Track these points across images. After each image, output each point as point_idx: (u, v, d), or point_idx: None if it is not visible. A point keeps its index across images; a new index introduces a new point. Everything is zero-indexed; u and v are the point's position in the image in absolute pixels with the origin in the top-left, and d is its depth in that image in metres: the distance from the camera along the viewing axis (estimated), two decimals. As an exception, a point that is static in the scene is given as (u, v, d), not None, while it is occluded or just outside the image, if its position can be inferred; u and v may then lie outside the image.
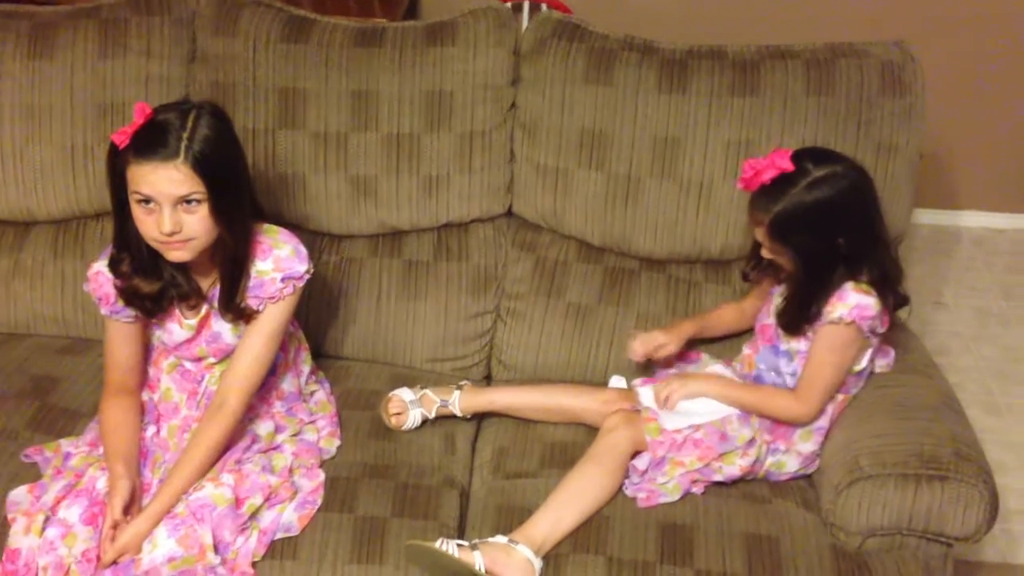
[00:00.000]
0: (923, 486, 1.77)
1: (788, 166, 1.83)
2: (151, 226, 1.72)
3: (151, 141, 1.69)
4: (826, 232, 1.83)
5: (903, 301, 1.96)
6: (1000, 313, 3.37)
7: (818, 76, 2.17)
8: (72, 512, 1.74)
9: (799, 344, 1.93)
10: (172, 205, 1.70)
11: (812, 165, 1.84)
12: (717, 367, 2.08)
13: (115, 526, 1.73)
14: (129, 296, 1.83)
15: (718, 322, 2.17)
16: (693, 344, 2.16)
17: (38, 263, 2.29)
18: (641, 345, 2.08)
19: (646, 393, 2.03)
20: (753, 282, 2.09)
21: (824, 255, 1.84)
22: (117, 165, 1.72)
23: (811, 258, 1.85)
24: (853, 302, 1.84)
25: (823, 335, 1.88)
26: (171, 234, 1.71)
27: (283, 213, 2.26)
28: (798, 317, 1.89)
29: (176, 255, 1.76)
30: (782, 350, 1.96)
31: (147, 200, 1.70)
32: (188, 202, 1.71)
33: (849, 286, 1.85)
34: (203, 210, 1.72)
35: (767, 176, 1.84)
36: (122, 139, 1.71)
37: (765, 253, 1.93)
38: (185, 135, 1.69)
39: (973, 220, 3.84)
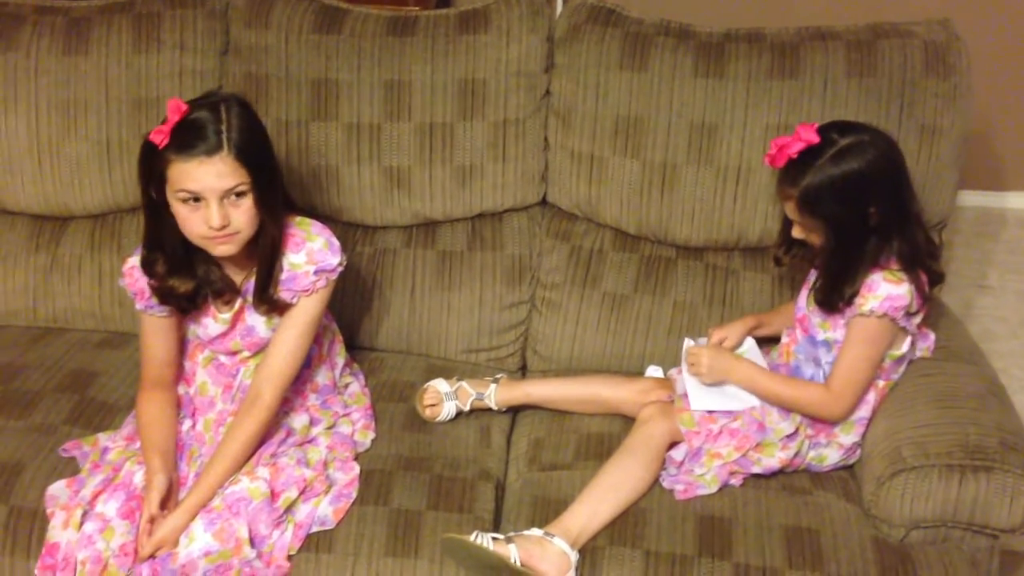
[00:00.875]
0: (968, 477, 1.73)
1: (814, 138, 1.81)
2: (197, 223, 1.72)
3: (193, 137, 1.68)
4: (856, 202, 1.80)
5: (938, 279, 1.91)
6: (1047, 297, 3.31)
7: (859, 58, 2.13)
8: (110, 506, 1.76)
9: (836, 333, 1.89)
10: (219, 199, 1.70)
11: (838, 135, 1.81)
12: (752, 354, 2.05)
13: (152, 520, 1.74)
14: (164, 295, 1.83)
15: (780, 319, 2.11)
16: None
17: (75, 258, 2.30)
18: (714, 363, 1.98)
19: (682, 382, 2.00)
20: (784, 266, 2.05)
21: (855, 226, 1.81)
22: (156, 165, 1.71)
23: (842, 229, 1.81)
24: (883, 293, 1.80)
25: (854, 328, 1.84)
26: (220, 228, 1.71)
27: (316, 205, 2.25)
28: (832, 293, 1.85)
29: (223, 249, 1.76)
30: (819, 340, 1.92)
31: (194, 197, 1.70)
32: (234, 195, 1.71)
33: (879, 276, 1.81)
34: (248, 201, 1.73)
35: (794, 150, 1.82)
36: (161, 138, 1.70)
37: (796, 232, 1.89)
38: (224, 127, 1.69)
39: (1019, 202, 3.76)
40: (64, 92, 2.24)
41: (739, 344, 2.07)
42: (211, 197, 1.70)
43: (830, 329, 1.90)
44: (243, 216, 1.73)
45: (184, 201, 1.71)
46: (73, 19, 2.27)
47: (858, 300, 1.82)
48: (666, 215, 2.21)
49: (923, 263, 1.86)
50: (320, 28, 2.22)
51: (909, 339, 1.90)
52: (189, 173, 1.68)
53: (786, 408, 1.91)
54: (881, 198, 1.80)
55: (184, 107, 1.72)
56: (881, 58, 2.12)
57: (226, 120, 1.70)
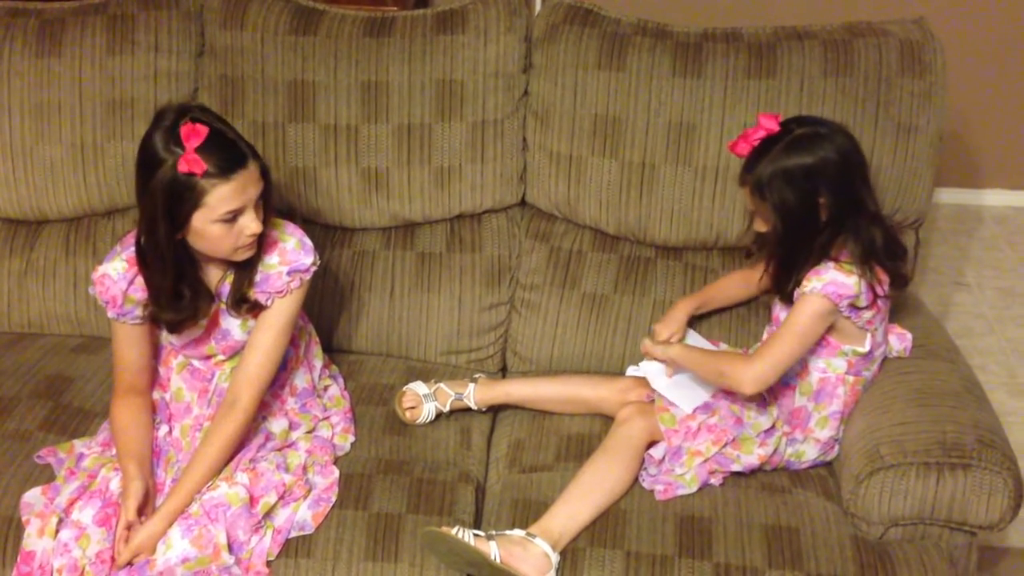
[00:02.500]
0: (945, 475, 1.74)
1: (774, 127, 1.85)
2: (233, 238, 1.72)
3: (230, 155, 1.68)
4: (805, 191, 1.81)
5: (902, 281, 1.92)
6: (1024, 293, 3.33)
7: (836, 57, 2.14)
8: (86, 514, 1.74)
9: None
10: (254, 206, 1.72)
11: (797, 126, 1.85)
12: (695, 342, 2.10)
13: (129, 527, 1.72)
14: (155, 319, 1.83)
15: (721, 293, 2.15)
16: (694, 321, 2.14)
17: (50, 262, 2.28)
18: (654, 348, 2.03)
19: (646, 367, 2.03)
20: (757, 259, 2.06)
21: (803, 215, 1.83)
22: (191, 196, 1.66)
23: (790, 217, 1.83)
24: (828, 278, 1.82)
25: (795, 305, 1.87)
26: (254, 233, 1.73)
27: (294, 207, 2.24)
28: (782, 281, 1.88)
29: (247, 254, 1.78)
30: None
31: (236, 214, 1.70)
32: (258, 199, 1.74)
33: (830, 264, 1.83)
34: (260, 203, 1.75)
35: (755, 137, 1.86)
36: (199, 166, 1.64)
37: (757, 225, 1.91)
38: (231, 134, 1.70)
39: (996, 199, 3.78)
40: (37, 95, 2.22)
41: (683, 334, 2.09)
42: (250, 206, 1.72)
43: None
44: (261, 216, 1.76)
45: (223, 222, 1.70)
46: (46, 21, 2.25)
47: (804, 282, 1.84)
48: (645, 215, 2.22)
49: (881, 262, 1.87)
50: (296, 29, 2.21)
51: (869, 336, 1.91)
52: (235, 191, 1.68)
53: (712, 378, 1.93)
54: (832, 191, 1.82)
55: (203, 130, 1.65)
56: (857, 57, 2.13)
57: (225, 126, 1.72)
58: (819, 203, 1.82)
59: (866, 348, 1.91)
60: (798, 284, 1.85)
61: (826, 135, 1.84)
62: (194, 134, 1.65)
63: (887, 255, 1.87)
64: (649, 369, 2.03)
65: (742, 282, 2.14)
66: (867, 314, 1.87)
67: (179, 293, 1.78)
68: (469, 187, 2.25)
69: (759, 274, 2.05)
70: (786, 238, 1.85)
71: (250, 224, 1.72)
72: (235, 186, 1.68)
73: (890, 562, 1.76)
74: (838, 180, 1.82)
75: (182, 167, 1.65)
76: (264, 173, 1.75)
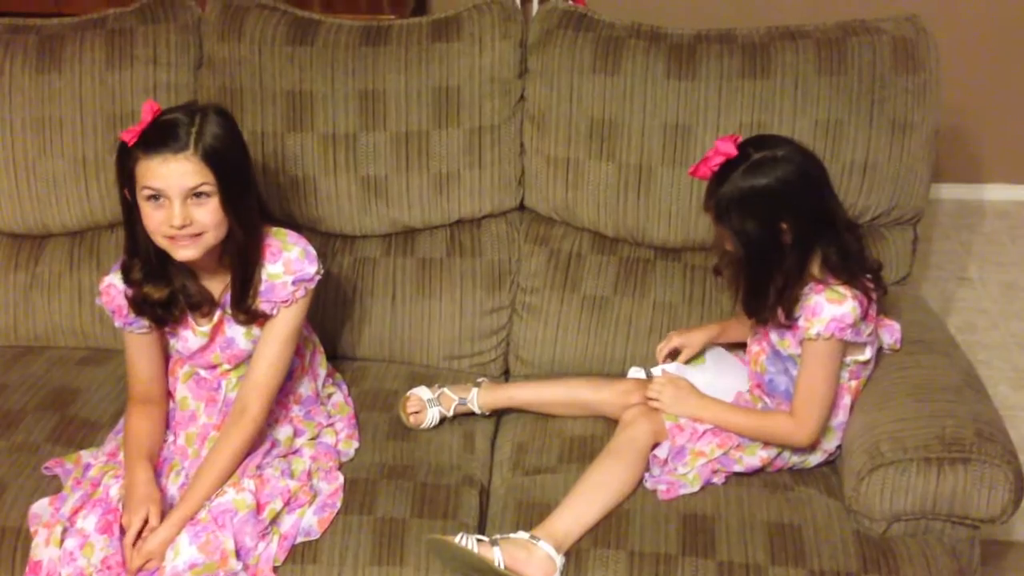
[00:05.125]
0: (946, 469, 1.75)
1: (732, 151, 1.82)
2: (160, 221, 1.73)
3: (161, 135, 1.71)
4: (764, 216, 1.80)
5: (883, 290, 1.91)
6: (1027, 287, 3.33)
7: (829, 55, 2.14)
8: (89, 522, 1.76)
9: (795, 349, 1.89)
10: (182, 198, 1.71)
11: (754, 150, 1.82)
12: (718, 363, 2.07)
13: (138, 534, 1.74)
14: (139, 304, 1.84)
15: (737, 326, 2.11)
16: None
17: (55, 275, 2.30)
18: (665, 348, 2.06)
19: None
20: (725, 276, 2.05)
21: (764, 240, 1.81)
22: (127, 164, 1.74)
23: (751, 243, 1.81)
24: (827, 316, 1.80)
25: (805, 352, 1.85)
26: (181, 227, 1.72)
27: (295, 216, 2.26)
28: (754, 304, 1.87)
29: (184, 253, 1.76)
30: (783, 355, 1.93)
31: (156, 195, 1.72)
32: (198, 195, 1.73)
33: (821, 298, 1.81)
34: (213, 203, 1.74)
35: (714, 163, 1.84)
36: (131, 137, 1.72)
37: (727, 246, 1.89)
38: (194, 129, 1.72)
39: (997, 193, 3.78)
40: (38, 110, 2.24)
41: (699, 352, 2.09)
42: (174, 195, 1.71)
43: (790, 346, 1.90)
44: (207, 217, 1.74)
45: (148, 199, 1.73)
46: (45, 37, 2.27)
47: (803, 324, 1.82)
48: (643, 217, 2.22)
49: (862, 268, 1.85)
50: (293, 40, 2.23)
51: (869, 349, 1.91)
52: (154, 170, 1.70)
53: (759, 440, 1.92)
54: (793, 214, 1.80)
55: (157, 108, 1.74)
56: (851, 55, 2.14)
57: (199, 124, 1.73)
58: (781, 228, 1.80)
59: (867, 356, 1.91)
60: (789, 314, 1.83)
61: (783, 158, 1.80)
62: (148, 111, 1.74)
63: (863, 268, 1.86)
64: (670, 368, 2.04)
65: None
66: (867, 328, 1.87)
67: (160, 270, 1.81)
68: (468, 193, 2.26)
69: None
70: (749, 263, 1.84)
71: (173, 214, 1.71)
72: (157, 164, 1.70)
73: (893, 557, 1.77)
74: (799, 202, 1.80)
75: (123, 134, 1.73)
76: (223, 177, 1.73)
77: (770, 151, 1.82)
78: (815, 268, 1.84)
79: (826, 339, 1.81)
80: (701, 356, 2.12)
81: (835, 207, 1.87)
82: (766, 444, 1.92)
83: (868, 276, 1.86)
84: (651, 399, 1.97)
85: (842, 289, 1.82)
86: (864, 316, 1.84)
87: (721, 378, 2.05)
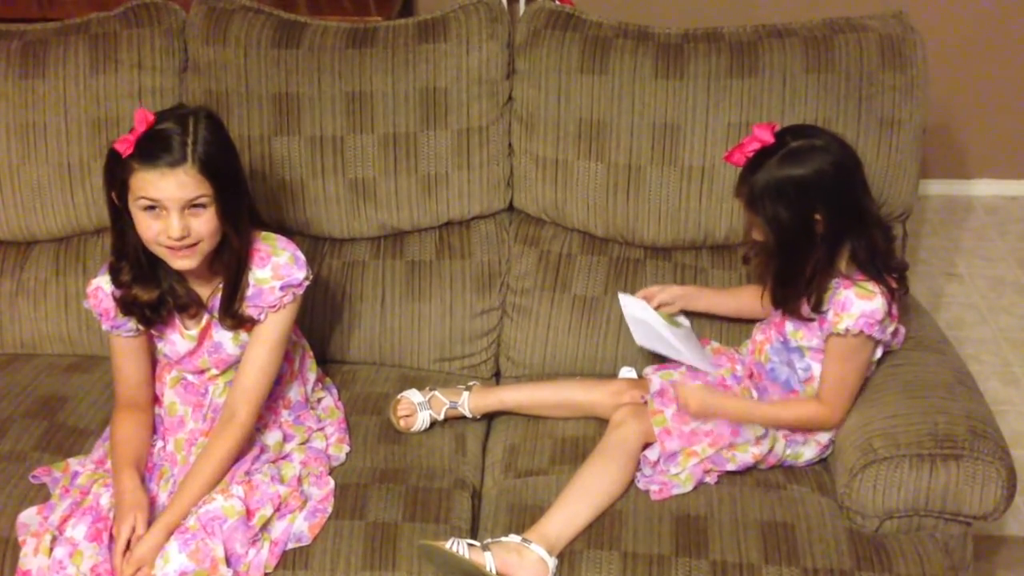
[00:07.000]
0: (938, 466, 1.75)
1: (769, 139, 1.82)
2: (158, 231, 1.72)
3: (157, 148, 1.70)
4: (798, 206, 1.79)
5: (903, 287, 1.91)
6: (1015, 282, 3.33)
7: (817, 53, 2.14)
8: (78, 530, 1.74)
9: (810, 341, 1.90)
10: (180, 210, 1.71)
11: (792, 138, 1.82)
12: (700, 346, 2.09)
13: (128, 541, 1.72)
14: (128, 305, 1.83)
15: (733, 300, 2.13)
16: (700, 334, 2.14)
17: (40, 282, 2.28)
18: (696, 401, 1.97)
19: (657, 381, 2.01)
20: (753, 265, 2.06)
21: (797, 230, 1.80)
22: (118, 172, 1.73)
23: (784, 232, 1.81)
24: (857, 311, 1.80)
25: (834, 347, 1.85)
26: (180, 239, 1.71)
27: (283, 220, 2.25)
28: (781, 296, 1.87)
29: (182, 263, 1.76)
30: (792, 346, 1.93)
31: (153, 206, 1.71)
32: (195, 206, 1.72)
33: (851, 292, 1.81)
34: (209, 213, 1.73)
35: (749, 149, 1.83)
36: (125, 147, 1.71)
37: (755, 234, 1.89)
38: (189, 140, 1.70)
39: (985, 189, 3.79)
40: (22, 116, 2.23)
41: (675, 309, 2.10)
42: (172, 207, 1.70)
43: (803, 338, 1.90)
44: (204, 227, 1.74)
45: (145, 208, 1.72)
46: (28, 42, 2.25)
47: (832, 318, 1.82)
48: (632, 216, 2.22)
49: (887, 266, 1.85)
50: (279, 42, 2.22)
51: (881, 349, 1.92)
52: (152, 183, 1.69)
53: (787, 428, 1.92)
54: (827, 205, 1.79)
55: (151, 117, 1.73)
56: (838, 53, 2.14)
57: (192, 133, 1.71)
58: (814, 219, 1.80)
59: (877, 355, 1.92)
60: (817, 307, 1.83)
61: (821, 147, 1.80)
62: (142, 121, 1.72)
63: (888, 268, 1.86)
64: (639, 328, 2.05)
65: (754, 299, 2.05)
66: (890, 327, 1.87)
67: (149, 272, 1.80)
68: (456, 194, 2.26)
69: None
70: (780, 253, 1.84)
71: (171, 226, 1.71)
72: (156, 177, 1.69)
73: (886, 554, 1.77)
74: (835, 194, 1.80)
75: (117, 144, 1.72)
76: (219, 187, 1.73)
77: (808, 140, 1.81)
78: (842, 263, 1.84)
79: (855, 335, 1.81)
80: (679, 321, 2.13)
81: (868, 203, 1.86)
82: (758, 440, 1.91)
83: (894, 275, 1.86)
84: (682, 404, 1.92)
85: (870, 285, 1.82)
86: (888, 314, 1.84)
87: (691, 352, 2.05)
